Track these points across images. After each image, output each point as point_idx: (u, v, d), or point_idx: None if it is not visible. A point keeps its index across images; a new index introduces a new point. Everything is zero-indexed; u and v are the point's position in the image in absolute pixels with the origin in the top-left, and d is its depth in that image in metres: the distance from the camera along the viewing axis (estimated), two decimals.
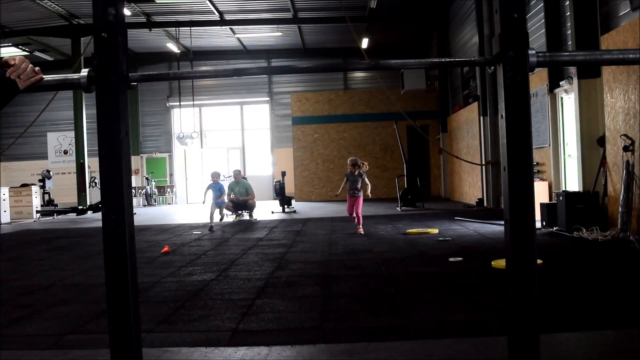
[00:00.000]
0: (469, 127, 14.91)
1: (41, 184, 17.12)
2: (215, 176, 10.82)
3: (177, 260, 6.63)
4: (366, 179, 8.79)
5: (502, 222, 1.95)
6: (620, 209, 7.04)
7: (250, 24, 17.41)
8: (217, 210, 10.87)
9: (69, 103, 17.43)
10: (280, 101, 21.00)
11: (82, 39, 16.35)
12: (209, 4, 15.58)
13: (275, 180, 16.89)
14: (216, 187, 10.73)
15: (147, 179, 20.46)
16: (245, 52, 20.55)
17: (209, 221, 10.46)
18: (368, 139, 19.43)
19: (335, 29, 17.58)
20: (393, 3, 15.44)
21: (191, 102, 19.48)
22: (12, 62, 1.92)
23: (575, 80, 8.45)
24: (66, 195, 19.30)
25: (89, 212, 16.33)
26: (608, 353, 2.99)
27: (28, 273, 6.15)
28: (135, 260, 2.00)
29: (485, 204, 13.32)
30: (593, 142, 8.13)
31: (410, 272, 5.43)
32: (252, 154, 21.44)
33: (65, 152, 21.18)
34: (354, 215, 8.79)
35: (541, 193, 9.16)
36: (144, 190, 20.25)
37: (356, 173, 8.74)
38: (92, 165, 17.29)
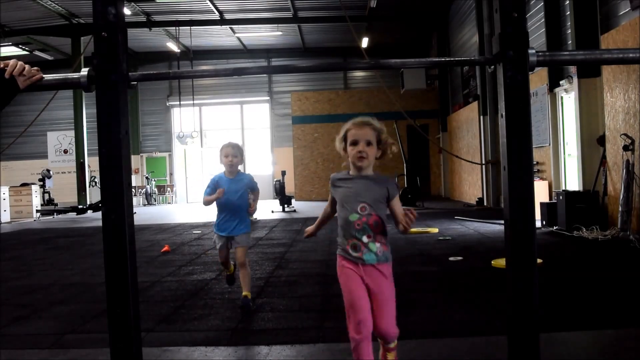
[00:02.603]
0: (469, 127, 14.91)
1: (41, 183, 17.13)
2: (235, 153, 4.05)
3: (177, 260, 6.63)
4: (397, 199, 2.48)
5: (502, 222, 1.95)
6: (620, 209, 7.04)
7: (250, 23, 17.41)
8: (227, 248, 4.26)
9: (69, 102, 17.44)
10: (280, 100, 21.00)
11: (82, 38, 16.36)
12: (209, 4, 15.57)
13: (275, 180, 16.90)
14: (236, 182, 4.08)
15: (147, 178, 20.47)
16: (245, 51, 20.55)
17: (223, 270, 4.66)
18: None
19: (335, 29, 17.58)
20: (393, 2, 15.43)
21: (191, 102, 19.49)
22: (7, 64, 1.93)
23: (575, 80, 8.44)
24: (66, 194, 19.32)
25: (89, 212, 16.33)
26: (608, 353, 2.99)
27: (28, 272, 6.15)
28: (135, 259, 2.00)
29: (485, 204, 13.32)
30: (593, 141, 8.13)
31: (410, 271, 5.43)
32: (252, 153, 21.45)
33: (65, 152, 21.19)
34: (384, 335, 2.47)
35: (541, 192, 9.15)
36: (144, 189, 20.27)
37: (371, 175, 2.48)
38: (92, 164, 17.31)
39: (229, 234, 4.04)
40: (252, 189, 4.17)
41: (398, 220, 2.40)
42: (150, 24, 16.93)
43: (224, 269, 4.49)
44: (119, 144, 1.91)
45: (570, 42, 8.60)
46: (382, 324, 2.36)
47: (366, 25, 16.99)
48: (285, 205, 14.60)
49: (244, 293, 4.08)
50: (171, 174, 21.65)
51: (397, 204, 2.46)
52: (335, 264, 2.59)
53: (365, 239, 2.43)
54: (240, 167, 4.16)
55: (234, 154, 4.01)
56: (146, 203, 20.15)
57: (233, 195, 4.00)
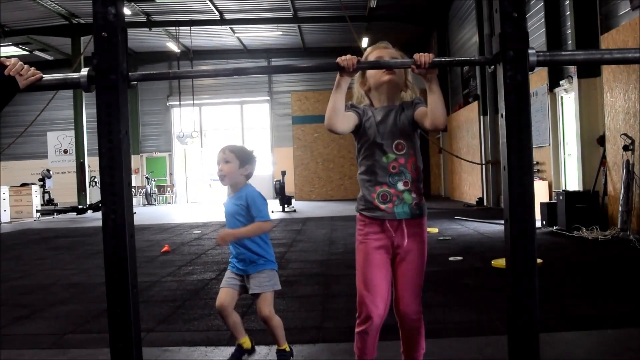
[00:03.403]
0: (469, 127, 14.90)
1: (41, 183, 17.13)
2: (226, 158, 2.72)
3: (177, 260, 6.63)
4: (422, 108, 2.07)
5: (502, 222, 1.95)
6: (620, 208, 7.04)
7: (250, 24, 17.41)
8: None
9: (69, 102, 17.44)
10: (280, 100, 21.00)
11: (82, 38, 16.37)
12: (209, 4, 15.57)
13: (275, 180, 16.89)
14: (235, 200, 2.76)
15: (147, 178, 20.48)
16: (245, 51, 20.55)
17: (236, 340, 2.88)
18: None
19: (335, 28, 17.58)
20: (393, 2, 15.44)
21: (191, 102, 19.49)
22: (8, 63, 1.93)
23: (575, 80, 8.45)
24: (66, 194, 19.31)
25: (89, 212, 16.33)
26: (608, 353, 2.99)
27: (28, 272, 6.15)
28: (135, 259, 2.00)
29: (485, 204, 13.32)
30: (593, 141, 8.13)
31: None
32: None
33: (65, 152, 21.19)
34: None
35: (541, 192, 9.16)
36: (144, 189, 20.27)
37: (401, 103, 2.17)
38: (92, 164, 17.31)
39: (241, 272, 2.78)
40: (250, 211, 2.72)
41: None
42: (150, 24, 16.93)
43: (236, 337, 2.88)
44: (119, 144, 1.90)
45: (570, 42, 8.60)
46: (404, 296, 1.89)
47: (366, 25, 16.98)
48: (285, 206, 14.60)
49: (281, 347, 2.85)
50: (171, 174, 21.65)
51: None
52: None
53: (400, 186, 1.93)
54: (248, 180, 2.81)
55: (225, 159, 2.72)
56: (146, 203, 20.15)
57: (229, 220, 2.78)
